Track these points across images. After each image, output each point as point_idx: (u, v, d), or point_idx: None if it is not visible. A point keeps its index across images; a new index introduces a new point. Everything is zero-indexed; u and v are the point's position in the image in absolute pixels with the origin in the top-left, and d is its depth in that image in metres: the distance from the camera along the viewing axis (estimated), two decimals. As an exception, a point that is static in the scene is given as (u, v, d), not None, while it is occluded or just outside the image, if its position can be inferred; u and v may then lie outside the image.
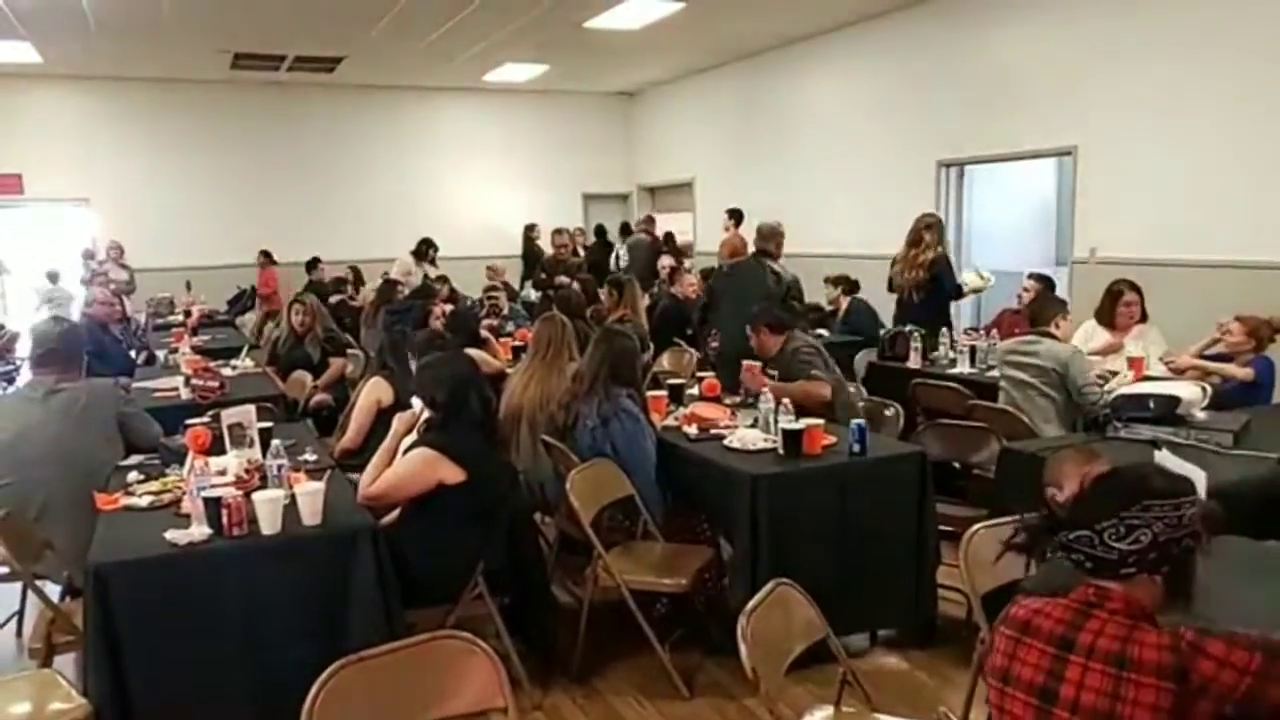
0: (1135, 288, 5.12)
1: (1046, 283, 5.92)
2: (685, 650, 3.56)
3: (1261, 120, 5.99)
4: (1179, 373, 4.72)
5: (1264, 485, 3.05)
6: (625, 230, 11.87)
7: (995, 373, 5.07)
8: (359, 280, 10.18)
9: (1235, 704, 1.46)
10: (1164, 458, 2.84)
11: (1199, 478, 2.31)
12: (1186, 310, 5.15)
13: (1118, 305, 5.10)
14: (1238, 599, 2.06)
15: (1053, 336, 4.39)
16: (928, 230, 6.16)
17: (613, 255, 11.24)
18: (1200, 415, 3.67)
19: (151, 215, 11.52)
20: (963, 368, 5.39)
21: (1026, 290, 5.93)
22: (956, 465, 4.27)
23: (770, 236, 6.13)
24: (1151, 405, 3.68)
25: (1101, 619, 1.57)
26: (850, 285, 7.59)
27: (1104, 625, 1.56)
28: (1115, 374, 4.69)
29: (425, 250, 10.79)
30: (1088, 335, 5.16)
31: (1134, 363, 4.72)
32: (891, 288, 6.39)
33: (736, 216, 9.69)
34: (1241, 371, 4.62)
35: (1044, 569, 1.87)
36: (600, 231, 12.01)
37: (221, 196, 11.94)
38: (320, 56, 10.58)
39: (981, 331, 5.90)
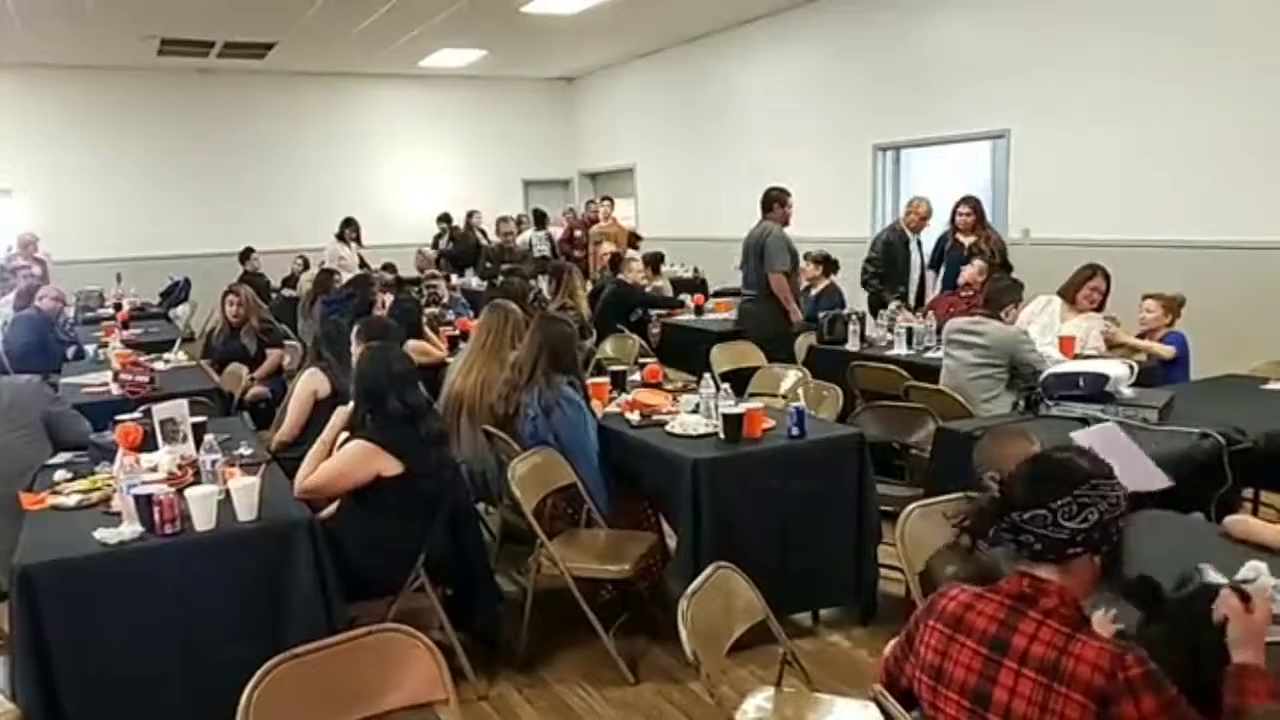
0: (1107, 276, 5.14)
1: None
2: (630, 636, 3.57)
3: (1190, 103, 6.14)
4: (1112, 347, 4.88)
5: (1187, 459, 3.15)
6: (539, 218, 11.75)
7: (932, 354, 5.17)
8: (308, 269, 10.01)
9: None
10: (1082, 435, 2.92)
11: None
12: (1117, 290, 5.26)
13: (1084, 286, 5.13)
14: (1147, 570, 2.12)
15: (999, 319, 4.49)
16: None
17: (526, 238, 11.18)
18: (1127, 392, 3.76)
19: (79, 206, 11.18)
20: (900, 349, 5.47)
21: (970, 267, 6.04)
22: (895, 445, 4.34)
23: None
24: (1081, 383, 3.76)
25: (1036, 621, 1.55)
26: (830, 265, 7.13)
27: (1039, 629, 1.54)
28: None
29: (345, 231, 10.64)
30: (1041, 306, 5.23)
31: (1065, 341, 4.83)
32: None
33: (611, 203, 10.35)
34: (1167, 350, 4.80)
35: (963, 560, 1.85)
36: (444, 218, 11.70)
37: (151, 186, 11.64)
38: (250, 43, 10.34)
39: (919, 314, 5.98)
